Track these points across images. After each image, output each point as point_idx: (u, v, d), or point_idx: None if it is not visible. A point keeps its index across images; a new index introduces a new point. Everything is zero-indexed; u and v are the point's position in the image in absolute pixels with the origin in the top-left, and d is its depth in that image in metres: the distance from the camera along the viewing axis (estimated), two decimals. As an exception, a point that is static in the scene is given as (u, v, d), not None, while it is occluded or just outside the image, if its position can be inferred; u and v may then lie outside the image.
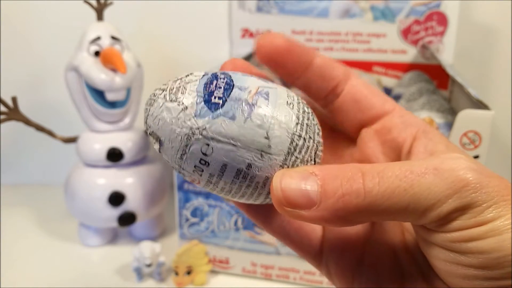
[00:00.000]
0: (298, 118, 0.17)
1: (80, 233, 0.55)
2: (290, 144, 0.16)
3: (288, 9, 0.61)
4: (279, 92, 0.17)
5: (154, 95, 0.17)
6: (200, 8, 0.64)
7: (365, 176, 0.15)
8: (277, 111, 0.16)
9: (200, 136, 0.16)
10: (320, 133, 0.18)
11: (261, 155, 0.16)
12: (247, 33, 0.63)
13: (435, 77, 0.59)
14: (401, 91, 0.56)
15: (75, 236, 0.56)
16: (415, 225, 0.17)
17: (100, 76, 0.49)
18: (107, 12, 0.53)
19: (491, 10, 0.61)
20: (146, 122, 0.17)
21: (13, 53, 0.66)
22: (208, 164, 0.16)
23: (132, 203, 0.52)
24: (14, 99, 0.51)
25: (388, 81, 0.62)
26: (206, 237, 0.48)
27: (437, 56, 0.56)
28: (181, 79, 0.17)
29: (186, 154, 0.16)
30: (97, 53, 0.50)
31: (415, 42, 0.60)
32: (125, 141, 0.52)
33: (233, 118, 0.16)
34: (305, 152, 0.17)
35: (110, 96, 0.50)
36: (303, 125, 0.17)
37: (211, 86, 0.16)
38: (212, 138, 0.16)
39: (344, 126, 0.21)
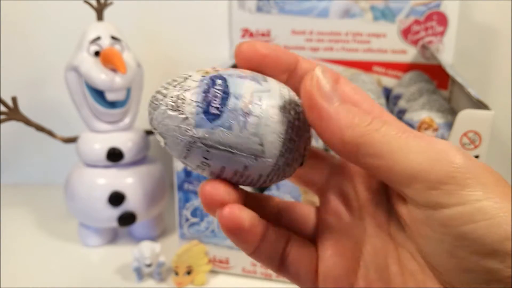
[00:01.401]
0: (289, 121, 0.18)
1: (80, 233, 0.55)
2: (282, 147, 0.18)
3: (288, 9, 0.61)
4: (272, 95, 0.18)
5: (157, 100, 0.18)
6: (200, 8, 0.64)
7: (375, 118, 0.17)
8: (270, 117, 0.17)
9: (201, 145, 0.17)
10: (310, 127, 0.19)
11: (256, 159, 0.18)
12: (247, 33, 0.63)
13: (435, 77, 0.59)
14: (401, 91, 0.56)
15: (75, 236, 0.56)
16: (400, 201, 0.18)
17: (100, 76, 0.49)
18: (107, 12, 0.53)
19: (491, 10, 0.61)
20: (151, 123, 0.19)
21: (13, 53, 0.66)
22: (209, 165, 0.18)
23: (132, 203, 0.52)
24: (14, 99, 0.51)
25: (388, 81, 0.62)
26: (206, 237, 0.48)
27: (437, 56, 0.56)
28: (180, 84, 0.18)
29: (189, 156, 0.18)
30: (97, 53, 0.50)
31: (415, 42, 0.60)
32: (125, 141, 0.52)
33: (230, 128, 0.17)
34: (296, 150, 0.19)
35: (110, 96, 0.50)
36: (293, 128, 0.18)
37: (209, 95, 0.17)
38: (212, 146, 0.17)
39: None
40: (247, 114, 0.17)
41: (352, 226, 0.21)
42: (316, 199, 0.23)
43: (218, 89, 0.17)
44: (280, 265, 0.21)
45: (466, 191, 0.15)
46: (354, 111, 0.17)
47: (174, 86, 0.18)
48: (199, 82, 0.18)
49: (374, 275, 0.20)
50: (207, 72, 0.18)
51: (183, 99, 0.17)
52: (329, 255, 0.21)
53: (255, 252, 0.20)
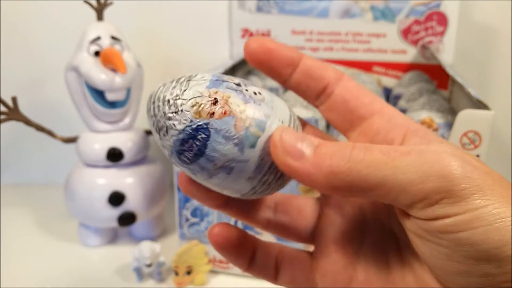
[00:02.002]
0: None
1: (80, 233, 0.55)
2: (256, 185, 0.18)
3: (288, 9, 0.61)
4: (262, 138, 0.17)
5: (155, 109, 0.18)
6: (200, 8, 0.64)
7: (355, 148, 0.16)
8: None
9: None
10: None
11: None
12: (247, 33, 0.63)
13: (435, 77, 0.59)
14: (401, 91, 0.56)
15: (75, 236, 0.56)
16: (402, 215, 0.17)
17: (100, 76, 0.49)
18: (107, 12, 0.53)
19: (491, 10, 0.61)
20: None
21: (13, 53, 0.66)
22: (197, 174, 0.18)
23: (132, 203, 0.52)
24: (14, 99, 0.51)
25: (388, 81, 0.62)
26: (206, 237, 0.48)
27: (437, 56, 0.56)
28: (170, 108, 0.17)
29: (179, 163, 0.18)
30: (97, 53, 0.50)
31: (415, 42, 0.60)
32: (125, 141, 0.52)
33: (197, 173, 0.18)
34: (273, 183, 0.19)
35: (110, 96, 0.50)
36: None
37: (185, 146, 0.17)
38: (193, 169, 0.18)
39: (336, 127, 0.21)
40: (216, 170, 0.17)
41: (353, 219, 0.21)
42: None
43: (196, 144, 0.17)
44: (275, 275, 0.22)
45: (463, 202, 0.15)
46: (330, 152, 0.16)
47: (169, 106, 0.17)
48: (184, 126, 0.17)
49: (374, 267, 0.20)
50: (199, 114, 0.17)
51: (168, 128, 0.17)
52: (330, 251, 0.21)
53: (250, 267, 0.21)
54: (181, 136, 0.17)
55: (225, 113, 0.17)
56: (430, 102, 0.46)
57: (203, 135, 0.17)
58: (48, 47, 0.66)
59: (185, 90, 0.17)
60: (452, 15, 0.58)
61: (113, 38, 0.51)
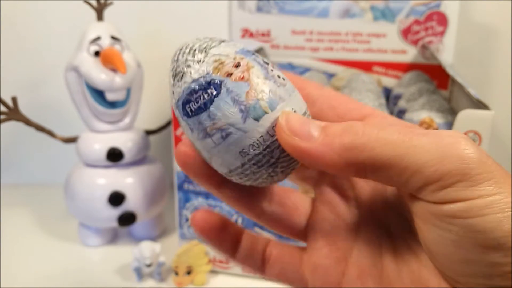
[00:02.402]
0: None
1: (80, 233, 0.55)
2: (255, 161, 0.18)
3: (288, 9, 0.61)
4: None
5: (179, 55, 0.18)
6: (200, 8, 0.64)
7: (367, 125, 0.16)
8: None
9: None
10: None
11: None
12: (247, 33, 0.63)
13: (435, 77, 0.59)
14: (401, 91, 0.56)
15: (75, 236, 0.56)
16: (410, 198, 0.17)
17: (100, 76, 0.49)
18: (107, 12, 0.53)
19: (491, 10, 0.61)
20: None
21: (13, 53, 0.66)
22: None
23: (132, 203, 0.52)
24: (14, 99, 0.51)
25: (388, 81, 0.62)
26: (206, 237, 0.48)
27: (437, 56, 0.56)
28: (193, 56, 0.18)
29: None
30: (97, 53, 0.50)
31: (415, 42, 0.60)
32: (125, 141, 0.52)
33: (192, 131, 0.18)
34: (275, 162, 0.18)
35: (110, 96, 0.50)
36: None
37: (192, 96, 0.17)
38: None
39: None
40: (213, 130, 0.17)
41: (347, 215, 0.21)
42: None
43: (203, 97, 0.17)
44: (262, 267, 0.21)
45: (478, 187, 0.14)
46: (340, 130, 0.16)
47: (193, 54, 0.18)
48: (199, 76, 0.17)
49: (367, 262, 0.19)
50: (217, 70, 0.17)
51: (185, 73, 0.17)
52: (321, 245, 0.21)
53: (235, 256, 0.21)
54: (193, 85, 0.17)
55: (242, 78, 0.17)
56: (430, 102, 0.46)
57: (213, 91, 0.17)
58: (48, 47, 0.66)
59: (214, 46, 0.18)
60: (452, 15, 0.58)
61: (113, 38, 0.51)
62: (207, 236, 0.21)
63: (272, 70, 0.17)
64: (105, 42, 0.50)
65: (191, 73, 0.17)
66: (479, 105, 0.37)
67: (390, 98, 0.60)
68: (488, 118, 0.36)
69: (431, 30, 0.59)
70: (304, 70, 0.63)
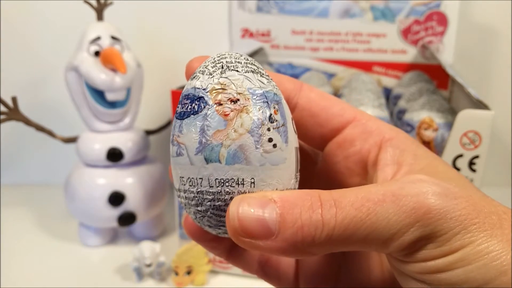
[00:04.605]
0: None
1: (80, 233, 0.55)
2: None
3: (288, 9, 0.61)
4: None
5: (207, 62, 0.18)
6: (200, 8, 0.64)
7: (324, 206, 0.15)
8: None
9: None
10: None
11: None
12: (247, 33, 0.63)
13: (435, 77, 0.59)
14: (401, 91, 0.56)
15: (75, 236, 0.56)
16: (386, 254, 0.16)
17: (100, 76, 0.49)
18: (107, 12, 0.53)
19: (491, 10, 0.61)
20: None
21: (13, 53, 0.66)
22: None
23: (132, 203, 0.52)
24: (14, 99, 0.51)
25: (388, 81, 0.62)
26: (206, 237, 0.48)
27: (437, 56, 0.56)
28: (206, 68, 0.17)
29: None
30: (97, 53, 0.50)
31: (415, 42, 0.60)
32: (125, 141, 0.52)
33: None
34: None
35: (110, 96, 0.50)
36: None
37: (185, 99, 0.17)
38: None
39: (307, 142, 0.20)
40: (172, 142, 0.17)
41: (330, 260, 0.21)
42: None
43: (187, 107, 0.17)
44: (258, 269, 0.21)
45: (446, 245, 0.14)
46: (297, 219, 0.15)
47: (215, 65, 0.17)
48: (199, 87, 0.17)
49: (355, 266, 0.20)
50: (213, 96, 0.16)
51: (196, 75, 0.17)
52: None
53: (229, 257, 0.20)
54: (190, 90, 0.17)
55: (226, 115, 0.16)
56: (430, 102, 0.46)
57: (196, 107, 0.16)
58: (48, 47, 0.66)
59: (238, 70, 0.17)
60: (452, 15, 0.58)
61: (113, 38, 0.51)
62: (200, 241, 0.20)
63: (268, 130, 0.16)
64: (105, 42, 0.50)
65: (198, 79, 0.17)
66: (479, 105, 0.37)
67: (390, 98, 0.60)
68: (488, 118, 0.36)
69: (431, 30, 0.59)
70: (304, 70, 0.63)
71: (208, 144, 0.16)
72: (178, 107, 0.17)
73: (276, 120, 0.16)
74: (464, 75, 0.49)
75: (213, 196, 0.16)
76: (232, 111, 0.16)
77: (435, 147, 0.42)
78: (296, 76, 0.63)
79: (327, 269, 0.20)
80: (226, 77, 0.16)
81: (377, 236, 0.14)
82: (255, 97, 0.16)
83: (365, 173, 0.19)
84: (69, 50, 0.53)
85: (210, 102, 0.16)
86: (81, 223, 0.55)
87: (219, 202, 0.16)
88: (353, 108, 0.19)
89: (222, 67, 0.17)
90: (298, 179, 0.18)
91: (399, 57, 0.61)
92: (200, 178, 0.16)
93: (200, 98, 0.16)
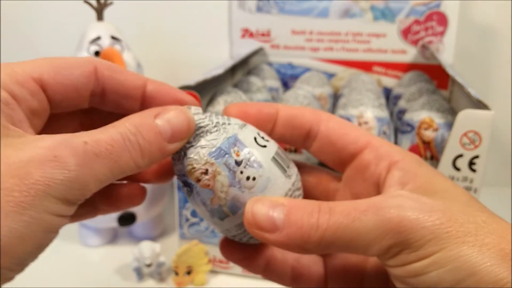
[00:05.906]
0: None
1: (80, 233, 0.55)
2: None
3: (288, 9, 0.61)
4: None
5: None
6: (200, 8, 0.64)
7: (321, 212, 0.18)
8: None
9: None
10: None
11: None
12: (247, 33, 0.63)
13: (435, 77, 0.59)
14: (401, 91, 0.56)
15: (75, 236, 0.56)
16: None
17: (100, 76, 0.49)
18: (107, 12, 0.53)
19: (491, 10, 0.61)
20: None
21: (13, 53, 0.66)
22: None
23: (132, 203, 0.52)
24: (14, 99, 0.51)
25: (388, 81, 0.62)
26: (206, 237, 0.48)
27: (437, 56, 0.56)
28: (186, 146, 0.20)
29: None
30: (97, 53, 0.50)
31: (415, 42, 0.60)
32: (125, 141, 0.52)
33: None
34: None
35: (110, 96, 0.50)
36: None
37: (181, 179, 0.20)
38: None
39: (331, 165, 0.23)
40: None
41: (356, 268, 0.23)
42: None
43: (185, 188, 0.20)
44: (292, 280, 0.23)
45: (419, 251, 0.16)
46: (300, 220, 0.18)
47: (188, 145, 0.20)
48: (181, 172, 0.20)
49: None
50: (191, 174, 0.19)
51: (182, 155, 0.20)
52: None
53: (264, 274, 0.23)
54: (179, 177, 0.20)
55: (208, 185, 0.19)
56: (430, 102, 0.46)
57: (189, 188, 0.20)
58: (48, 47, 0.66)
59: (197, 145, 0.19)
60: (452, 15, 0.58)
61: (113, 38, 0.51)
62: (238, 263, 0.23)
63: (241, 173, 0.19)
64: (105, 42, 0.50)
65: (176, 166, 0.20)
66: (479, 105, 0.37)
67: (390, 98, 0.60)
68: (488, 118, 0.36)
69: (431, 30, 0.59)
70: (304, 70, 0.63)
71: (214, 209, 0.19)
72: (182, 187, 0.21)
73: (242, 159, 0.19)
74: (464, 75, 0.49)
75: (235, 233, 0.20)
76: (209, 180, 0.19)
77: (435, 147, 0.42)
78: (296, 76, 0.63)
79: (355, 268, 0.22)
80: (189, 157, 0.19)
81: (360, 240, 0.17)
82: (214, 157, 0.19)
83: (379, 194, 0.21)
84: (69, 50, 0.53)
85: (193, 182, 0.19)
86: (81, 223, 0.55)
87: (241, 236, 0.21)
88: (367, 134, 0.21)
89: (185, 147, 0.19)
90: (292, 165, 0.21)
91: (399, 57, 0.61)
92: (226, 230, 0.20)
93: (185, 182, 0.20)
